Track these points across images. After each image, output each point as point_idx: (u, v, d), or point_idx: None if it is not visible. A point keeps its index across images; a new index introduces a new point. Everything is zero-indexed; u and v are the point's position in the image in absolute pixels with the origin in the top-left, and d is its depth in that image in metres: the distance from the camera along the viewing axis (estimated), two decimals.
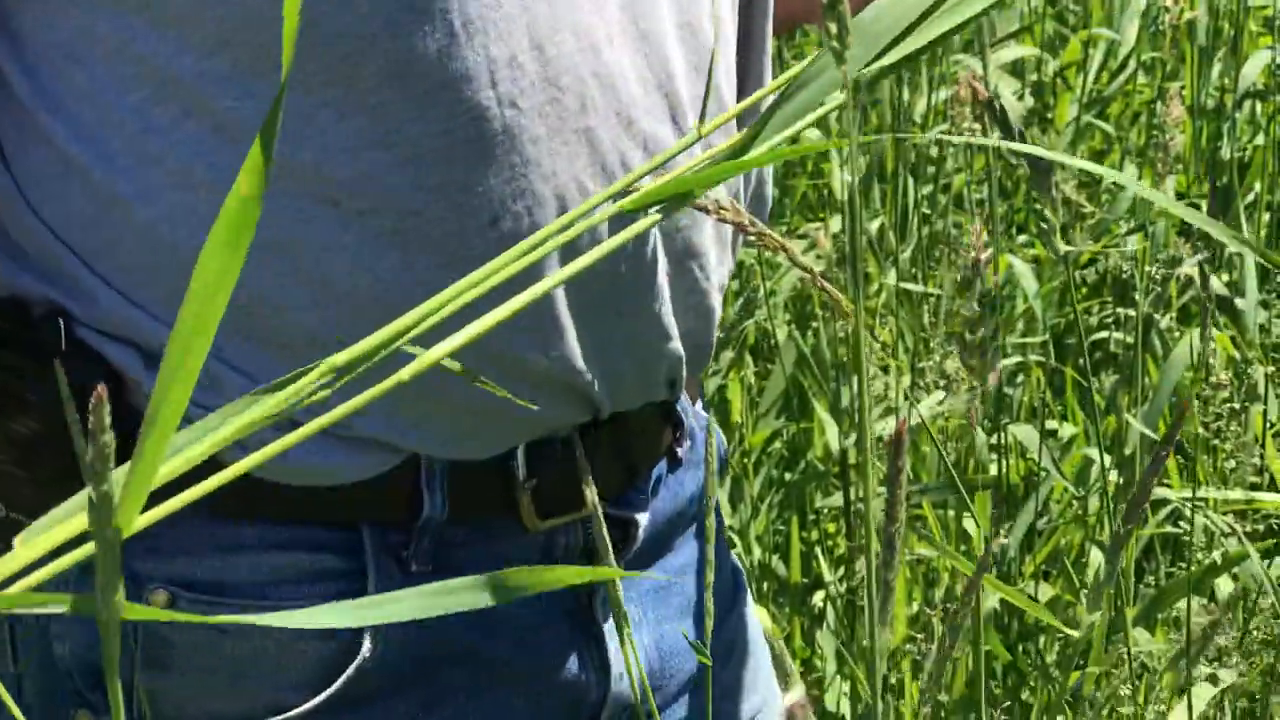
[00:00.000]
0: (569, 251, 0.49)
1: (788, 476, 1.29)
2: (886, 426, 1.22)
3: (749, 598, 0.78)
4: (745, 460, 1.25)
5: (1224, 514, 1.15)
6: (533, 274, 0.39)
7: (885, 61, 0.38)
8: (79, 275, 0.60)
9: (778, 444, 1.32)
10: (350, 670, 0.63)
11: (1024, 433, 1.28)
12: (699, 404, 0.76)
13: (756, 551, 1.22)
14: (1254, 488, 1.19)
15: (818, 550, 1.28)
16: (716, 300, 0.67)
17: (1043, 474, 1.24)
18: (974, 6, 0.41)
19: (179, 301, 0.29)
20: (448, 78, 0.57)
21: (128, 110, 0.58)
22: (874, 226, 1.52)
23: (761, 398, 1.30)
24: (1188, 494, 1.13)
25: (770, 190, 0.75)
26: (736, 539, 1.24)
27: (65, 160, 0.60)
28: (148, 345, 0.59)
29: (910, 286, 1.39)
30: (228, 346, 0.57)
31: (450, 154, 0.58)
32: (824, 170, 1.64)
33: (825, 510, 1.31)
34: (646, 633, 0.71)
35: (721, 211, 0.43)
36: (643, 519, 0.69)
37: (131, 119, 0.58)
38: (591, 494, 0.60)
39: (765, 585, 1.24)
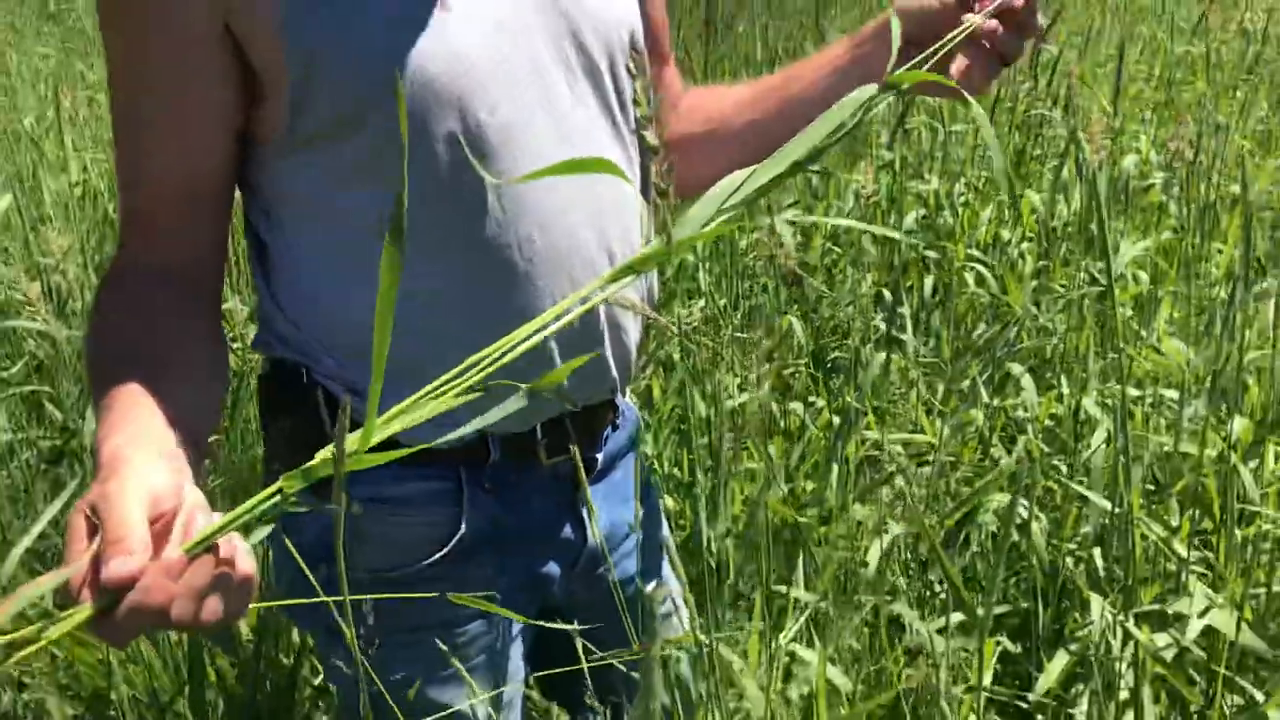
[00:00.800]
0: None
1: (681, 427, 2.45)
2: (734, 401, 2.41)
3: (657, 498, 1.28)
4: (659, 417, 2.42)
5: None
6: (544, 353, 0.95)
7: (716, 223, 0.72)
8: (311, 348, 1.01)
9: (675, 409, 2.49)
10: (454, 539, 1.06)
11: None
12: (628, 393, 1.22)
13: (665, 464, 2.37)
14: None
15: (694, 464, 2.41)
16: (635, 349, 1.10)
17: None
18: (775, 170, 0.73)
19: (353, 353, 0.96)
20: (498, 246, 0.97)
21: (334, 258, 0.98)
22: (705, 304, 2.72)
23: (667, 386, 2.47)
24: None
25: (656, 294, 1.14)
26: (654, 460, 2.38)
27: (299, 286, 1.02)
28: (347, 384, 1.00)
29: (741, 336, 2.59)
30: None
31: (497, 284, 0.97)
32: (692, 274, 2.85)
33: (697, 445, 2.45)
34: (604, 514, 1.17)
35: (634, 305, 0.81)
36: (600, 456, 1.15)
37: (335, 263, 0.98)
38: (574, 447, 1.04)
39: (669, 483, 2.38)
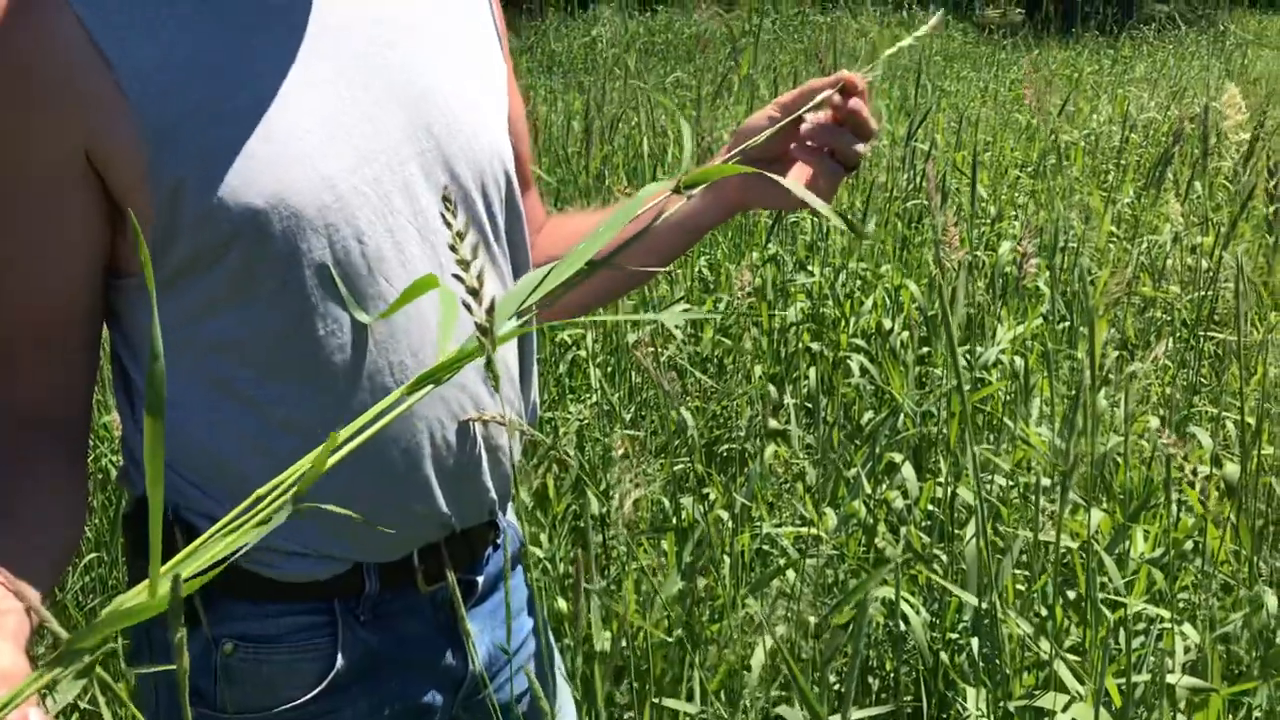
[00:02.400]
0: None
1: (576, 524, 2.46)
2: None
3: (540, 613, 1.23)
4: (554, 516, 2.42)
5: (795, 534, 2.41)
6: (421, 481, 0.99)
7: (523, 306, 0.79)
8: (176, 483, 0.99)
9: (571, 508, 2.50)
10: (330, 674, 1.04)
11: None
12: (510, 511, 1.17)
13: (560, 565, 2.38)
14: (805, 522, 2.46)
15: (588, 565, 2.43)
16: (509, 471, 1.10)
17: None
18: (571, 268, 0.79)
19: (220, 488, 0.94)
20: (370, 373, 0.98)
21: (197, 388, 0.96)
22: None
23: (561, 484, 2.49)
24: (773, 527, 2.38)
25: (537, 410, 1.18)
26: (547, 562, 2.38)
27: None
28: (214, 517, 0.97)
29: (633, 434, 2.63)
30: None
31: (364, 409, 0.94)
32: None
33: (595, 541, 2.46)
34: (487, 636, 1.15)
35: (507, 421, 0.98)
36: (480, 579, 1.13)
37: (199, 395, 0.96)
38: (450, 573, 1.04)
39: (562, 583, 2.39)
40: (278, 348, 0.95)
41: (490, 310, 0.69)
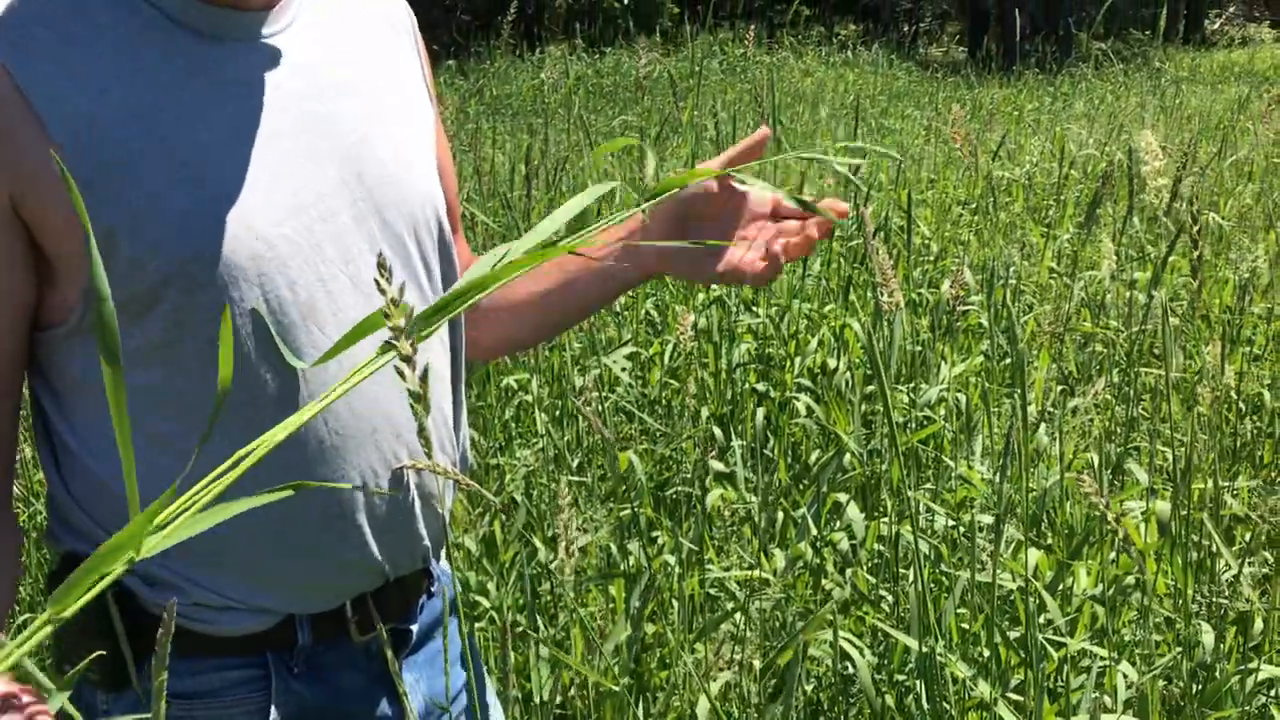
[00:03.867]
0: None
1: (524, 572, 2.45)
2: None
3: (481, 663, 1.25)
4: (500, 564, 2.40)
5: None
6: (355, 529, 1.00)
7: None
8: (104, 539, 0.93)
9: (517, 555, 2.48)
10: None
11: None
12: (444, 558, 1.18)
13: (507, 614, 2.36)
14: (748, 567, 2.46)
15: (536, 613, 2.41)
16: (446, 518, 1.10)
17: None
18: (581, 202, 0.83)
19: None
20: (308, 428, 0.96)
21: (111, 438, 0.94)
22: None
23: (508, 532, 2.47)
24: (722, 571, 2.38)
25: (470, 459, 1.19)
26: (493, 613, 2.36)
27: (91, 474, 0.98)
28: (142, 574, 0.97)
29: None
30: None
31: (301, 461, 0.97)
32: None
33: (543, 589, 2.44)
34: (423, 686, 1.14)
35: (442, 469, 0.88)
36: (415, 628, 1.13)
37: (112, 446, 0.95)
38: (379, 623, 1.01)
39: (509, 633, 2.36)
40: (209, 399, 0.94)
41: (424, 376, 0.69)
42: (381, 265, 0.71)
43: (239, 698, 1.03)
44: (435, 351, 1.09)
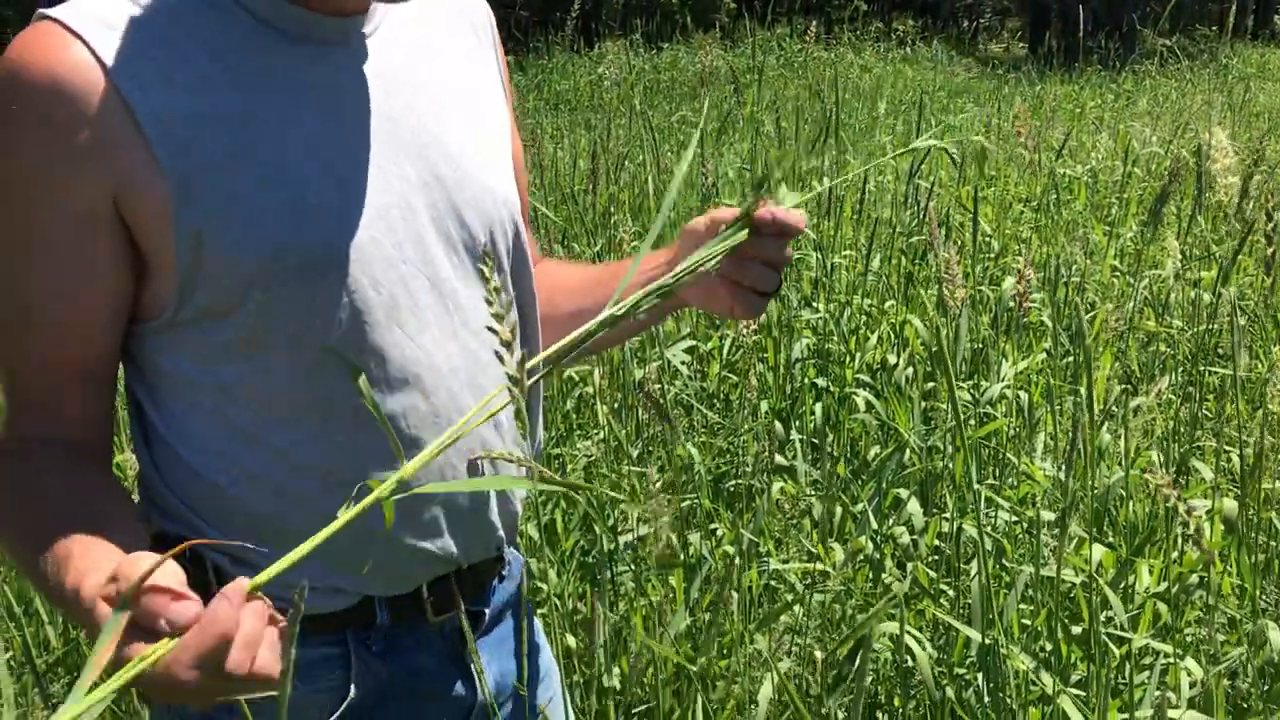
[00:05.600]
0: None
1: (584, 560, 2.48)
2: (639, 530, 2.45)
3: (548, 646, 1.30)
4: (561, 552, 2.44)
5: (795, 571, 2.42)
6: (430, 520, 1.03)
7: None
8: (192, 519, 1.02)
9: (578, 544, 2.51)
10: (344, 704, 1.07)
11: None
12: (516, 542, 1.22)
13: (569, 601, 2.39)
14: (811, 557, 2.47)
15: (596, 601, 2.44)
16: (517, 508, 1.14)
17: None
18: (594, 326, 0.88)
19: (235, 526, 0.96)
20: (386, 414, 1.00)
21: (213, 431, 1.00)
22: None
23: (569, 521, 2.50)
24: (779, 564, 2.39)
25: (542, 446, 1.21)
26: (556, 599, 2.40)
27: (180, 459, 1.02)
28: (228, 552, 1.02)
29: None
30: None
31: (382, 455, 0.98)
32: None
33: (604, 577, 2.47)
34: (494, 666, 1.18)
35: (515, 458, 0.89)
36: (487, 611, 1.16)
37: (215, 437, 1.00)
38: (459, 606, 1.09)
39: (571, 620, 2.40)
40: (293, 393, 0.98)
41: (521, 363, 0.73)
42: (486, 255, 0.74)
43: (322, 675, 1.07)
44: (498, 345, 1.12)
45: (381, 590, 1.07)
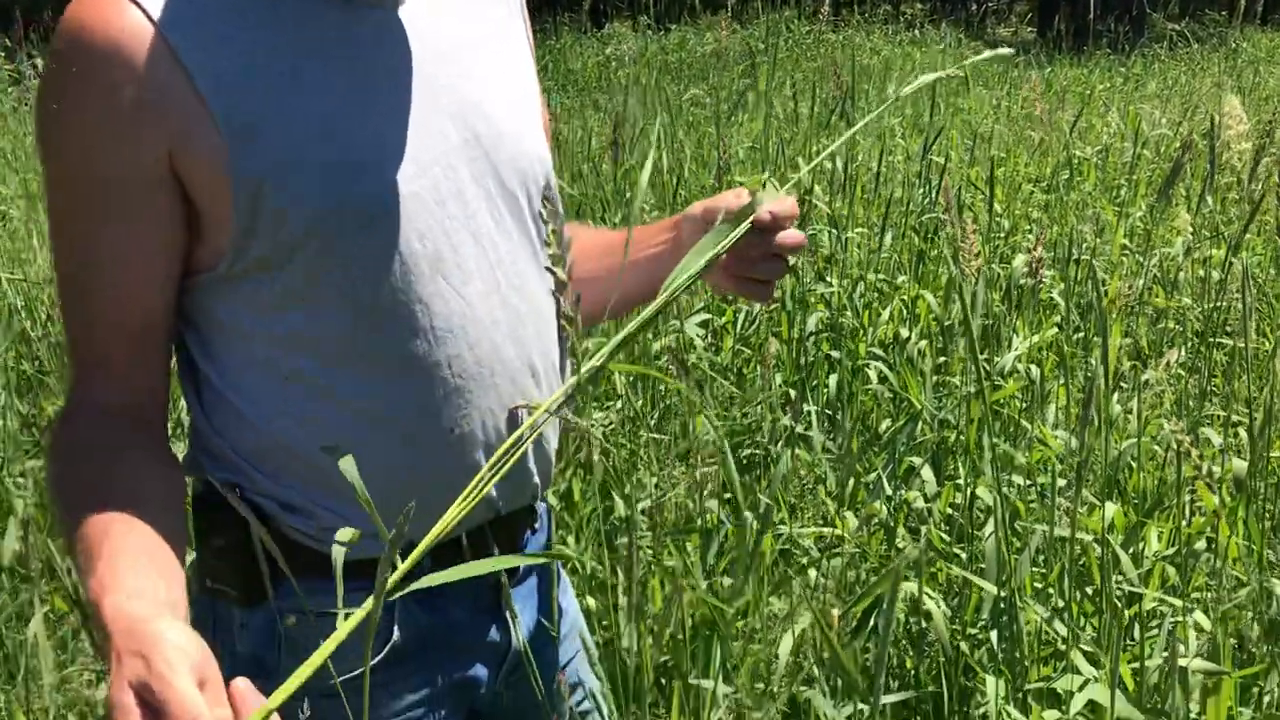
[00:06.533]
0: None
1: (602, 527, 2.53)
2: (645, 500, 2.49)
3: (572, 596, 1.35)
4: (579, 519, 2.49)
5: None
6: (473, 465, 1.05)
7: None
8: (243, 467, 1.06)
9: (595, 511, 2.57)
10: (388, 647, 1.12)
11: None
12: (547, 496, 1.27)
13: (587, 565, 2.45)
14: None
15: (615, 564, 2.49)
16: (551, 456, 1.18)
17: None
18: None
19: (287, 472, 1.02)
20: (429, 365, 1.04)
21: (266, 380, 1.04)
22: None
23: (587, 488, 2.55)
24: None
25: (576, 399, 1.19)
26: (575, 562, 2.45)
27: (233, 408, 1.06)
28: (279, 499, 1.06)
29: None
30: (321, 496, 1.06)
31: (428, 401, 1.05)
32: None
33: (620, 542, 2.52)
34: (526, 615, 1.23)
35: (561, 415, 1.06)
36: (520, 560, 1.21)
37: (269, 385, 1.04)
38: (496, 553, 1.13)
39: (590, 583, 2.45)
40: (345, 342, 1.03)
41: (577, 301, 0.77)
42: (546, 199, 0.78)
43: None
44: (544, 300, 1.16)
45: (423, 536, 1.11)
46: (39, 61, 6.39)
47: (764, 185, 1.08)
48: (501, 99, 1.12)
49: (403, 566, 0.74)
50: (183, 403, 1.32)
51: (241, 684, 0.78)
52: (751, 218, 1.08)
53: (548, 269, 0.81)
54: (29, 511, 2.25)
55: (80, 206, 0.99)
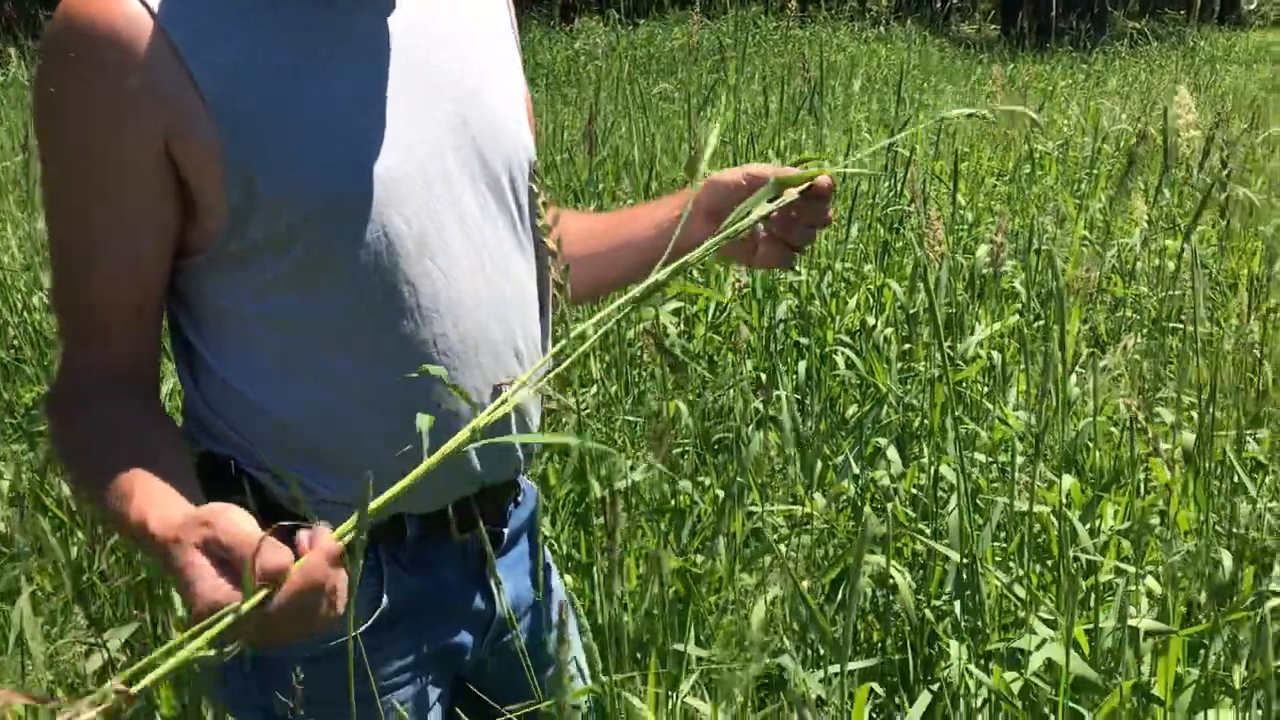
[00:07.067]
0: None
1: (577, 510, 2.59)
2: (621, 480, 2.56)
3: (557, 578, 1.40)
4: (556, 501, 2.55)
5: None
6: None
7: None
8: (238, 441, 1.10)
9: (571, 493, 2.62)
10: (377, 612, 1.16)
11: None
12: (527, 475, 1.34)
13: (563, 545, 2.50)
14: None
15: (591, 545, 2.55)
16: (537, 430, 1.23)
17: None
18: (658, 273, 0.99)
19: (282, 449, 1.05)
20: (417, 343, 1.09)
21: (262, 361, 1.07)
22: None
23: (563, 471, 2.61)
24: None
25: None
26: (553, 541, 2.50)
27: (227, 386, 1.09)
28: (273, 472, 1.09)
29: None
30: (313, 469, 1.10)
31: (413, 381, 1.06)
32: None
33: (596, 523, 2.58)
34: (510, 584, 1.28)
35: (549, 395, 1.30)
36: (505, 531, 1.27)
37: (262, 364, 1.08)
38: (480, 523, 1.16)
39: (567, 563, 2.51)
40: (336, 322, 1.07)
41: (567, 270, 0.83)
42: (535, 174, 0.84)
43: (357, 585, 1.17)
44: (526, 282, 1.21)
45: (413, 508, 1.16)
46: (26, 45, 6.33)
47: (821, 164, 1.14)
48: (489, 87, 1.17)
49: (376, 503, 0.80)
50: (174, 381, 1.35)
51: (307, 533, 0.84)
52: (817, 178, 1.14)
53: (537, 239, 0.86)
54: (17, 489, 2.28)
55: (80, 187, 1.02)
